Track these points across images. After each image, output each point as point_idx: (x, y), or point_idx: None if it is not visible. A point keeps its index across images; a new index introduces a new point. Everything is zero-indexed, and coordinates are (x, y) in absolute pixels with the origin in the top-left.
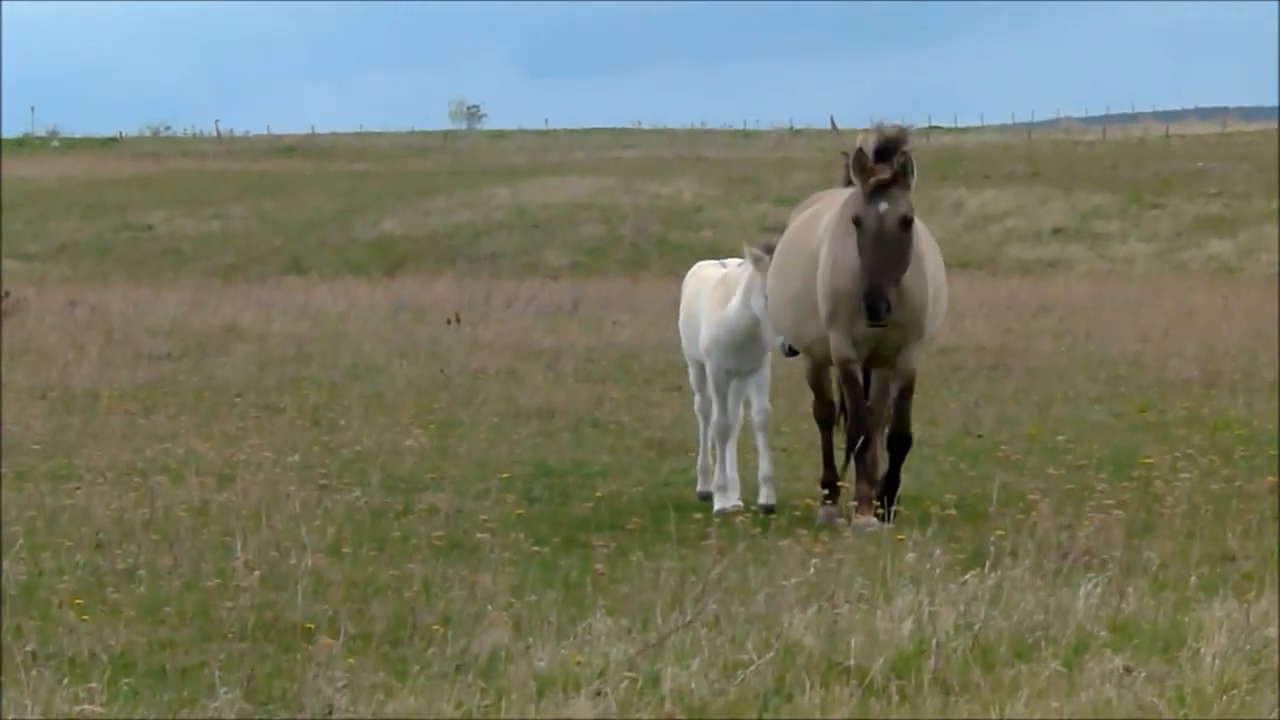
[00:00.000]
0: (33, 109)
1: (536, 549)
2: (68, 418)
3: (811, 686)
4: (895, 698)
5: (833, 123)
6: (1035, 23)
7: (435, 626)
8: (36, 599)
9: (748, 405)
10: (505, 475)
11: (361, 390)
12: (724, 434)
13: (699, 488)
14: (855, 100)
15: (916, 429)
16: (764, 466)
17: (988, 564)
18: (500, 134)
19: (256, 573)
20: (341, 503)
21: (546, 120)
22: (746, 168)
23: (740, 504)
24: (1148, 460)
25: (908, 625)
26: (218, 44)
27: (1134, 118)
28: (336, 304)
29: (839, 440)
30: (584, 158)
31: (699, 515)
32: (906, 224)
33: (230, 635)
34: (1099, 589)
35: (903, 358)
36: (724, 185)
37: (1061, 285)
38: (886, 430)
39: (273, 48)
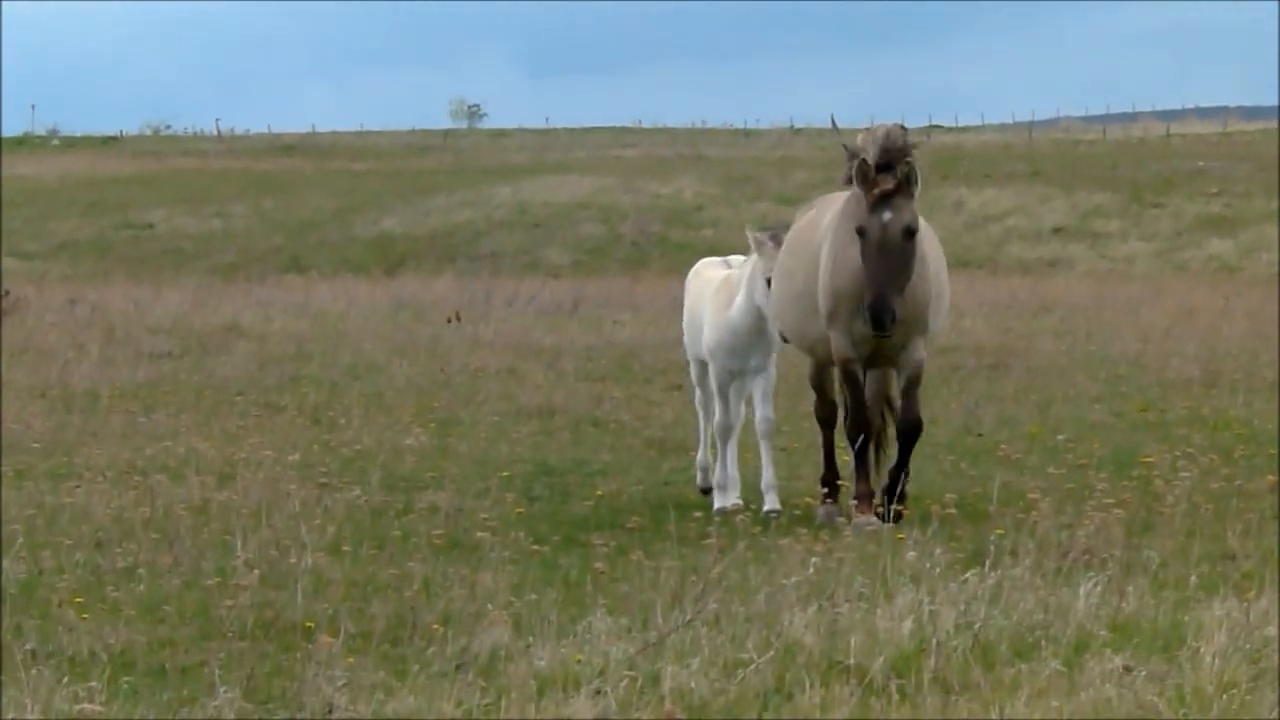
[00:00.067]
0: (33, 107)
1: (536, 548)
2: (68, 416)
3: (811, 685)
4: (895, 697)
5: (833, 122)
6: (1035, 23)
7: (435, 625)
8: (36, 598)
9: (749, 404)
10: (505, 474)
11: (362, 389)
12: (725, 433)
13: (698, 483)
14: (855, 100)
15: None
16: (767, 475)
17: (988, 563)
18: (501, 133)
19: (256, 571)
20: (341, 501)
21: (547, 119)
22: (747, 167)
23: (740, 503)
24: (1148, 459)
25: (908, 624)
26: (218, 43)
27: (1134, 117)
28: (337, 303)
29: (840, 440)
30: (584, 157)
31: (699, 514)
32: (910, 234)
33: (230, 634)
34: (1099, 588)
35: (907, 353)
36: (724, 184)
37: (1062, 284)
38: (895, 421)
39: (273, 47)
